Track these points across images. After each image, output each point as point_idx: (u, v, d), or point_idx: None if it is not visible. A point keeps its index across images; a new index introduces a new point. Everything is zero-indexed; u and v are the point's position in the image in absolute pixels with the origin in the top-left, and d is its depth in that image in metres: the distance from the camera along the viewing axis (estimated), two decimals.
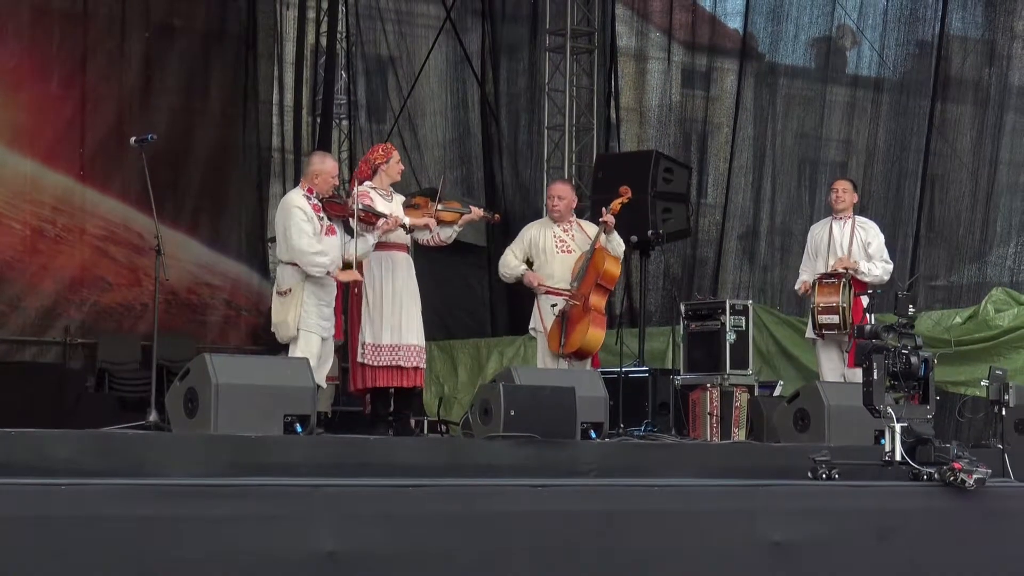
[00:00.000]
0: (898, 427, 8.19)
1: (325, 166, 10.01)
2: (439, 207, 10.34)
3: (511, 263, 11.28)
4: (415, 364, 10.25)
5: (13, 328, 15.28)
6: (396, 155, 10.55)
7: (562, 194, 11.36)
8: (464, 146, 17.41)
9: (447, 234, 10.52)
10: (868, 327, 8.78)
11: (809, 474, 8.26)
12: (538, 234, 11.27)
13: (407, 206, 10.35)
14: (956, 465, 8.00)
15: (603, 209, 11.16)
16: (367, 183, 10.32)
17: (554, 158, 16.88)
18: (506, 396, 8.91)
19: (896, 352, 8.30)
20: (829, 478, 8.19)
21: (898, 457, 8.19)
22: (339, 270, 9.87)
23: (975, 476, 7.97)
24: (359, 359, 10.28)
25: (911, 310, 8.68)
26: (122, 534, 5.89)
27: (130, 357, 15.20)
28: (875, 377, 8.26)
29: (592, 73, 16.89)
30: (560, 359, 10.98)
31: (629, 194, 11.45)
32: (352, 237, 9.95)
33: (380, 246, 10.24)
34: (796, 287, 11.72)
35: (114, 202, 15.70)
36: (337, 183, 10.05)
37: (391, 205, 10.30)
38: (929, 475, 8.09)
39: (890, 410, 8.23)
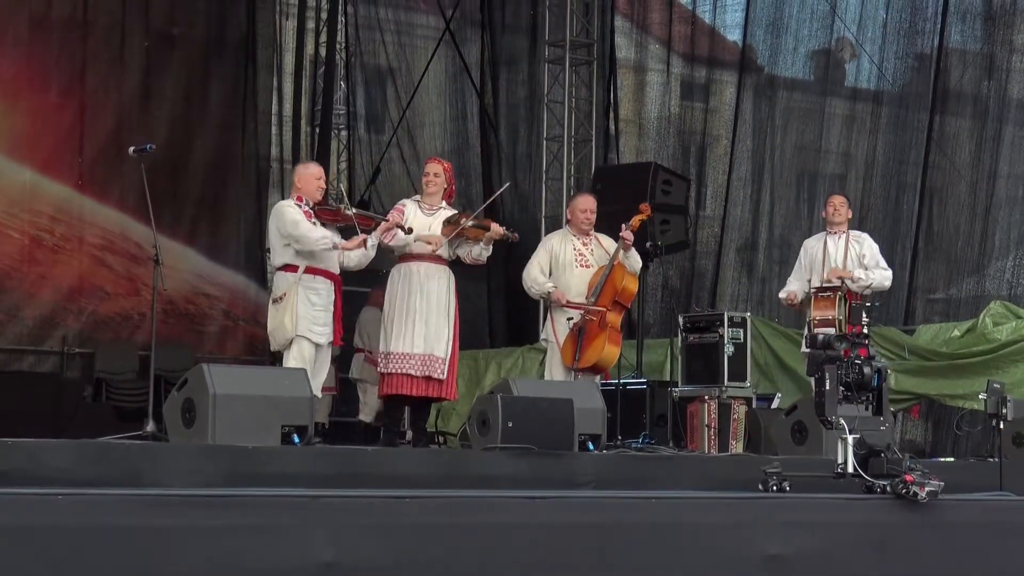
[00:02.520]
0: (850, 439, 8.14)
1: (308, 169, 10.13)
2: (470, 223, 10.36)
3: (539, 279, 11.17)
4: (426, 373, 10.23)
5: (11, 337, 15.25)
6: (427, 167, 10.71)
7: (594, 207, 11.34)
8: (463, 157, 17.40)
9: (477, 252, 10.51)
10: (820, 336, 8.74)
11: (760, 487, 8.22)
12: (559, 246, 11.25)
13: (447, 222, 10.37)
14: (908, 478, 7.93)
15: (623, 225, 11.15)
16: (415, 196, 10.56)
17: (553, 169, 16.88)
18: (504, 407, 8.91)
19: (849, 362, 8.26)
20: (780, 490, 8.15)
21: (851, 469, 8.14)
22: (345, 242, 9.89)
23: (927, 489, 7.89)
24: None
25: (865, 317, 8.69)
26: (119, 544, 5.88)
27: (128, 367, 15.19)
28: (827, 388, 8.21)
29: (591, 85, 16.89)
30: (573, 372, 10.98)
31: (649, 211, 11.53)
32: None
33: (403, 257, 10.34)
34: (781, 295, 11.66)
35: (112, 211, 15.68)
36: (323, 186, 10.05)
37: (429, 219, 10.36)
38: (882, 487, 8.03)
39: (842, 421, 8.18)
